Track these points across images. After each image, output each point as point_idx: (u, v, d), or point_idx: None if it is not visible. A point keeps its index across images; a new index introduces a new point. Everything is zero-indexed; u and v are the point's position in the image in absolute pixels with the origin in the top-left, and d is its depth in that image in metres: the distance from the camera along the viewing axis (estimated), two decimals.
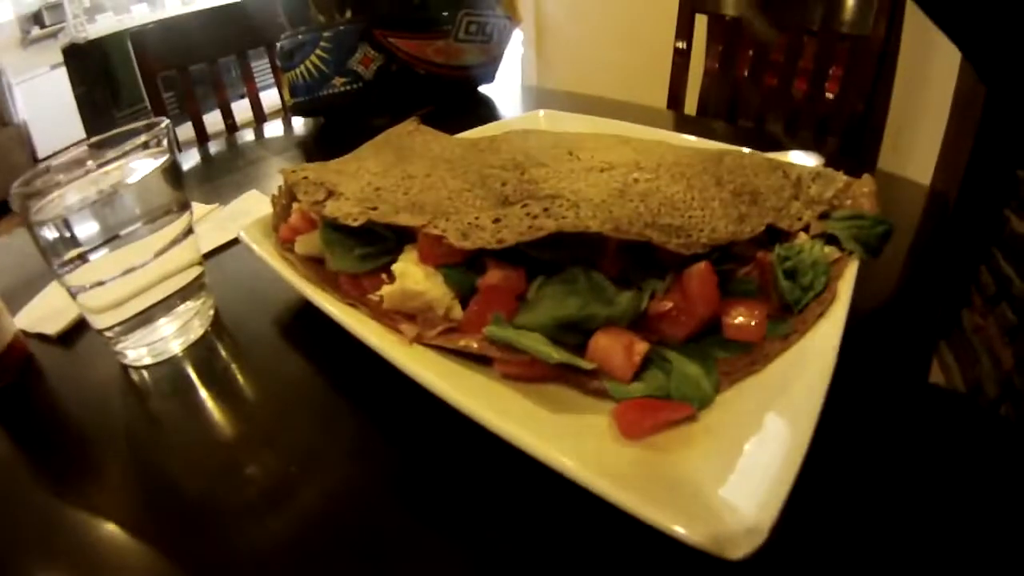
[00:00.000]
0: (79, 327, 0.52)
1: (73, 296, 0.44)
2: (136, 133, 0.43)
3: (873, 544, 0.32)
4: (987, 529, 0.33)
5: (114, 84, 3.12)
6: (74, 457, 0.41)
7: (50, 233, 0.41)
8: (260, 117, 1.17)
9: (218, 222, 0.65)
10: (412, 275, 0.39)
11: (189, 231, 0.45)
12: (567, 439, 0.33)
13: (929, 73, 1.10)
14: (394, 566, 0.32)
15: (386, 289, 0.39)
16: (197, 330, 0.46)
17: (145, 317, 0.44)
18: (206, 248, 0.57)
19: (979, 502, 0.37)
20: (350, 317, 0.40)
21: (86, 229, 0.41)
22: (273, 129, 1.07)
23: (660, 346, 0.38)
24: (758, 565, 0.27)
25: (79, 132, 3.23)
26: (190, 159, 0.96)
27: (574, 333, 0.37)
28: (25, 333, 0.50)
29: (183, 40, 1.08)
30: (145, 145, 0.43)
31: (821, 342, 0.38)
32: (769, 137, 0.85)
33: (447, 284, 0.39)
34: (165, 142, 0.44)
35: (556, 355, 0.35)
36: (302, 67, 0.88)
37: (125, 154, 0.42)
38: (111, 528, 0.36)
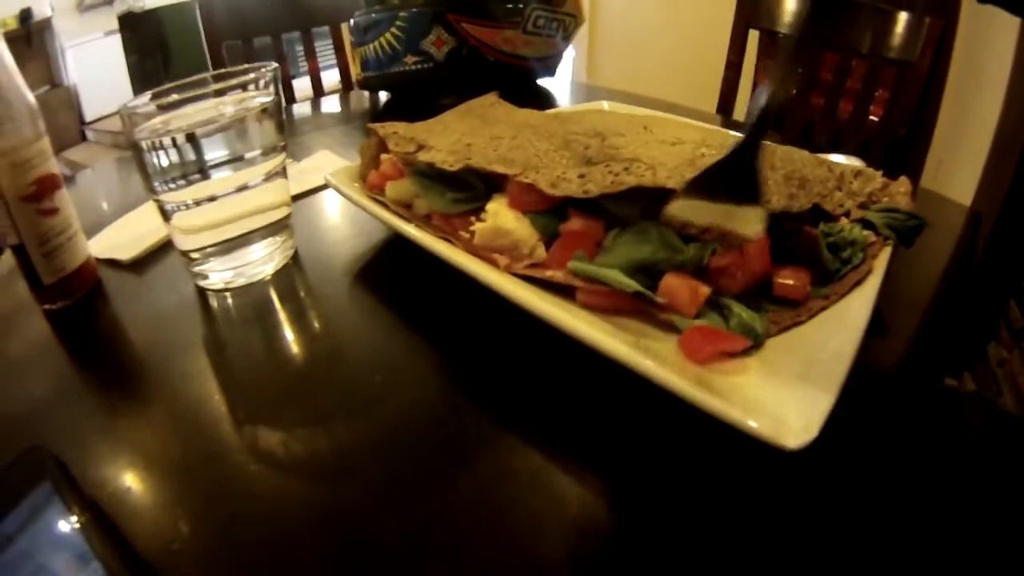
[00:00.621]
0: (151, 257, 0.59)
1: (168, 216, 0.51)
2: (245, 72, 0.52)
3: (886, 539, 0.35)
4: (1002, 528, 0.37)
5: (166, 54, 3.25)
6: (136, 374, 0.46)
7: (155, 153, 0.48)
8: (319, 93, 1.26)
9: (292, 175, 0.73)
10: (504, 215, 0.48)
11: (283, 171, 0.54)
12: (644, 353, 0.41)
13: (975, 104, 1.19)
14: (476, 462, 0.38)
15: (479, 225, 0.48)
16: (279, 263, 0.54)
17: (233, 244, 0.52)
18: (299, 190, 0.66)
19: (997, 502, 0.39)
20: (443, 248, 0.49)
21: (190, 153, 0.49)
22: (330, 105, 1.16)
23: (718, 295, 0.47)
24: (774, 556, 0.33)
25: (127, 98, 3.39)
26: None
27: (646, 276, 0.45)
28: (97, 260, 0.57)
29: (250, 12, 1.17)
30: (250, 86, 0.52)
31: (857, 304, 0.46)
32: (815, 147, 0.94)
33: (534, 227, 0.48)
34: (272, 84, 0.53)
35: (633, 285, 0.43)
36: (375, 43, 0.98)
37: (231, 88, 0.51)
38: (175, 439, 0.41)
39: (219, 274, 0.53)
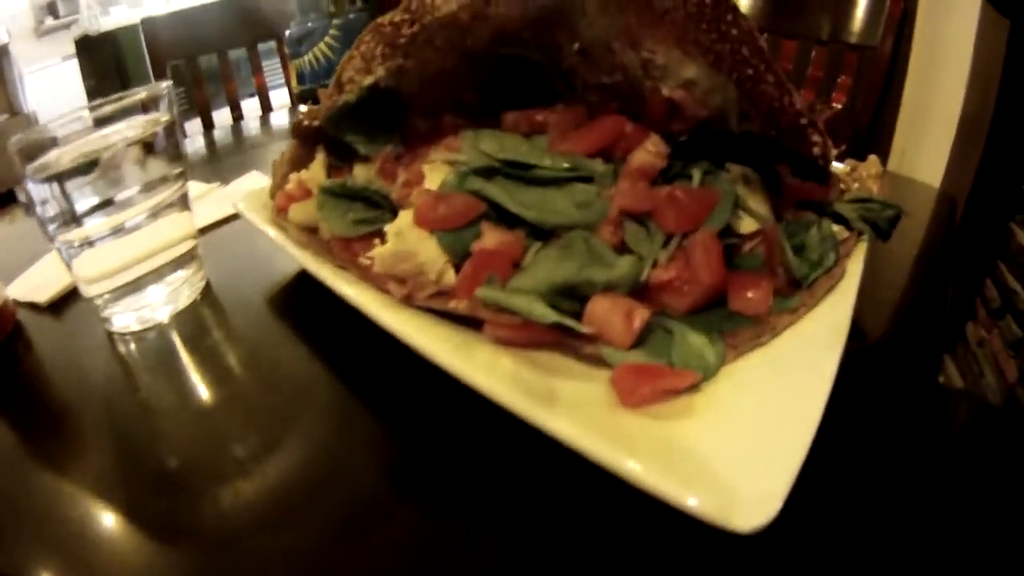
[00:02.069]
0: (69, 297, 0.49)
1: (67, 262, 0.41)
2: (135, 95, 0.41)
3: (880, 539, 0.28)
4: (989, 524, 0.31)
5: (124, 78, 2.93)
6: (52, 422, 0.38)
7: (44, 190, 0.38)
8: (267, 109, 1.13)
9: (217, 199, 0.62)
10: (406, 236, 0.36)
11: (184, 201, 0.43)
12: (561, 405, 0.29)
13: (938, 88, 1.07)
14: (373, 534, 0.29)
15: (378, 250, 0.36)
16: (185, 299, 0.43)
17: (135, 285, 0.41)
18: (204, 223, 0.54)
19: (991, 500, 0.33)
20: (338, 279, 0.37)
21: (80, 189, 0.39)
22: (279, 119, 1.03)
23: (663, 316, 0.35)
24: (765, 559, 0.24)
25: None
26: (195, 143, 0.92)
27: (571, 300, 0.33)
28: (16, 302, 0.48)
29: (194, 29, 1.04)
30: (144, 108, 0.41)
31: (831, 316, 0.35)
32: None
33: (441, 247, 0.36)
34: (165, 105, 0.42)
35: (550, 315, 0.32)
36: (311, 54, 0.86)
37: (123, 114, 0.40)
38: (85, 494, 0.33)
39: (121, 318, 0.41)
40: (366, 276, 0.37)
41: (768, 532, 0.23)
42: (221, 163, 0.83)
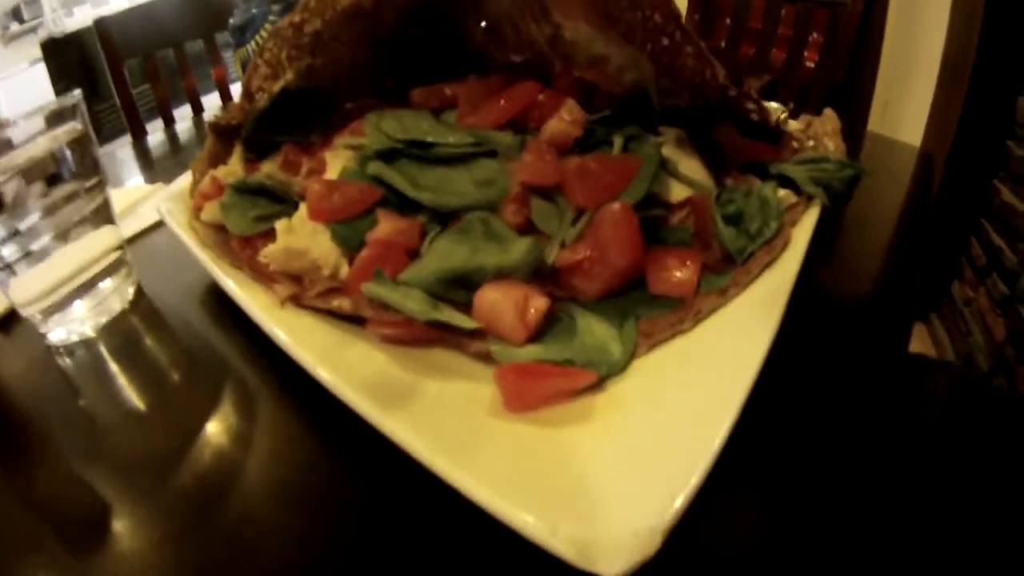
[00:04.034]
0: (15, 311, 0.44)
1: (1, 286, 0.35)
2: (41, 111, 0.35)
3: (859, 531, 0.21)
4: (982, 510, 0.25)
5: (92, 77, 2.62)
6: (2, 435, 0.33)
7: None
8: (228, 100, 1.00)
9: (156, 201, 0.55)
10: (297, 232, 0.30)
11: (105, 212, 0.37)
12: (433, 412, 0.23)
13: (917, 43, 0.93)
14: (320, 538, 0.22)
15: (269, 248, 0.29)
16: (114, 309, 0.37)
17: (63, 302, 0.35)
18: (140, 226, 0.48)
19: (969, 480, 0.28)
20: (231, 278, 0.31)
21: None
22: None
23: (572, 303, 0.27)
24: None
25: None
26: (155, 140, 0.82)
27: (465, 289, 0.27)
28: None
29: (147, 25, 0.91)
30: (59, 119, 0.35)
31: (765, 296, 0.26)
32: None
33: (334, 240, 0.29)
34: (74, 117, 0.35)
35: (427, 313, 0.25)
36: (252, 43, 0.77)
37: (32, 137, 0.34)
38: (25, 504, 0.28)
39: (55, 332, 0.36)
40: (260, 275, 0.30)
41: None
42: (172, 160, 0.75)
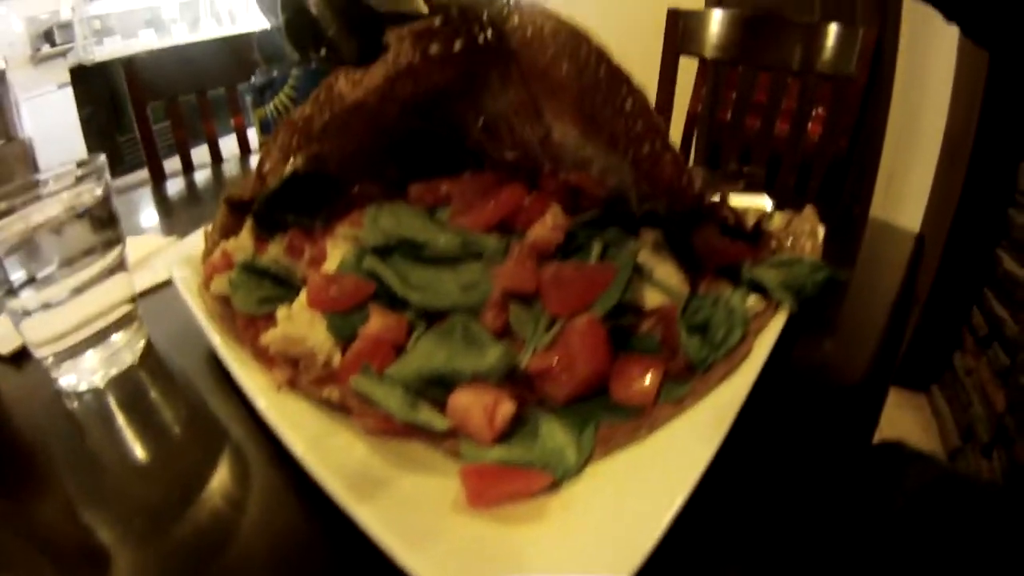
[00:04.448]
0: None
1: (15, 325, 0.39)
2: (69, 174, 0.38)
3: None
4: None
5: (117, 107, 2.64)
6: (7, 471, 0.35)
7: None
8: (246, 149, 1.00)
9: (168, 256, 0.57)
10: (296, 320, 0.32)
11: (120, 266, 0.40)
12: (401, 504, 0.25)
13: (921, 116, 0.94)
14: None
15: (270, 333, 0.32)
16: (124, 363, 0.40)
17: (75, 349, 0.39)
18: (153, 281, 0.50)
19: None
20: (233, 355, 0.33)
21: (11, 266, 0.36)
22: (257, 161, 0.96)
23: (540, 407, 0.29)
24: None
25: (81, 150, 2.72)
26: (174, 187, 0.86)
27: (443, 388, 0.29)
28: None
29: (174, 70, 0.94)
30: (85, 178, 0.38)
31: (718, 408, 0.28)
32: (749, 175, 0.74)
33: (329, 331, 0.32)
34: (98, 180, 0.39)
35: (404, 413, 0.27)
36: (272, 104, 0.81)
37: (55, 193, 0.37)
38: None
39: (66, 378, 0.39)
40: (260, 357, 0.33)
41: None
42: (188, 213, 0.78)
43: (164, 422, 0.38)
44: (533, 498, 0.25)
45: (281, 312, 0.32)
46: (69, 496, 0.33)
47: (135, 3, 2.85)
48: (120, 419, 0.38)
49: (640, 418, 0.28)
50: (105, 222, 0.39)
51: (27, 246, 0.36)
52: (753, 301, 0.34)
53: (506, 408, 0.27)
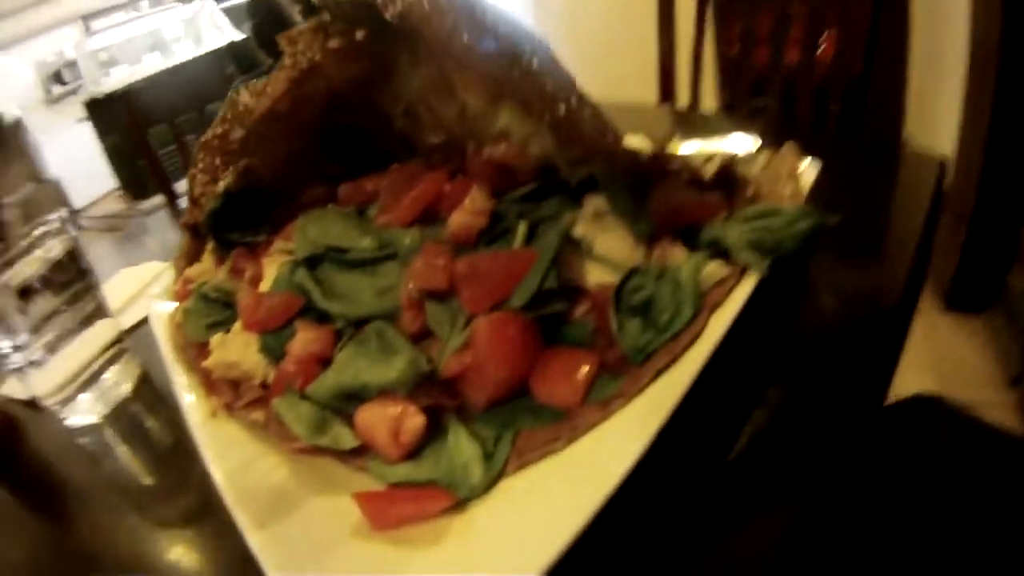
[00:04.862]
0: None
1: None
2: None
3: None
4: None
5: (140, 131, 2.80)
6: (34, 501, 0.39)
7: None
8: None
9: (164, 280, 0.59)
10: (229, 345, 0.32)
11: (97, 315, 0.41)
12: (299, 525, 0.24)
13: (946, 28, 0.77)
14: None
15: (209, 360, 0.32)
16: (118, 397, 0.42)
17: (72, 393, 0.41)
18: (147, 310, 0.53)
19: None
20: (184, 386, 0.33)
21: None
22: None
23: (458, 414, 0.27)
24: None
25: (111, 180, 2.80)
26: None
27: (357, 402, 0.27)
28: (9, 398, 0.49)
29: (168, 93, 0.94)
30: (41, 241, 0.40)
31: (646, 411, 0.24)
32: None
33: (263, 352, 0.31)
34: (58, 236, 0.40)
35: (309, 436, 0.26)
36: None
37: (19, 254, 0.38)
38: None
39: (70, 420, 0.42)
40: (204, 383, 0.33)
41: None
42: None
43: (160, 446, 0.39)
44: (436, 518, 0.23)
45: (215, 339, 0.32)
46: (91, 513, 0.35)
47: (135, 30, 2.84)
48: (121, 448, 0.40)
49: (560, 425, 0.25)
50: (73, 277, 0.40)
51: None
52: (713, 268, 0.29)
53: (413, 423, 0.25)
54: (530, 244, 0.29)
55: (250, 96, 0.33)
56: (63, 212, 0.39)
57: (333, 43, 0.32)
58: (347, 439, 0.26)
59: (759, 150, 0.37)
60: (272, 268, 0.34)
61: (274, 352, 0.31)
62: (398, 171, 0.34)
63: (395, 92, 0.34)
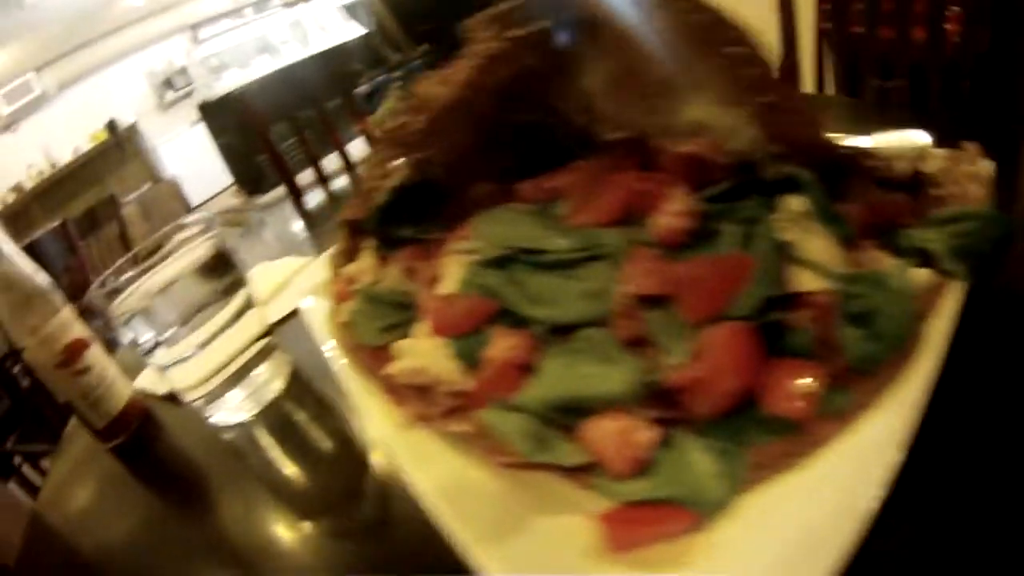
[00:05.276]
0: None
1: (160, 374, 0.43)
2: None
3: None
4: None
5: (250, 132, 2.94)
6: (175, 501, 0.41)
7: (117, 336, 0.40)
8: None
9: (309, 276, 0.59)
10: (418, 350, 0.32)
11: (246, 308, 0.42)
12: (522, 547, 0.24)
13: None
14: None
15: (396, 365, 0.32)
16: (268, 396, 0.43)
17: (217, 392, 0.42)
18: (293, 305, 0.53)
19: None
20: (364, 393, 0.33)
21: (137, 330, 0.40)
22: None
23: (681, 427, 0.27)
24: None
25: (226, 178, 3.04)
26: (314, 200, 0.91)
27: (574, 414, 0.27)
28: (144, 392, 0.51)
29: (285, 91, 1.01)
30: (191, 239, 0.41)
31: (892, 421, 0.24)
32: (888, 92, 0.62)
33: (455, 358, 0.31)
34: (210, 235, 0.41)
35: (530, 452, 0.26)
36: (384, 108, 0.81)
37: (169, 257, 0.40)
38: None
39: (217, 416, 0.43)
40: (388, 390, 0.33)
41: None
42: (326, 226, 0.80)
43: (312, 448, 0.40)
44: (675, 539, 0.24)
45: (404, 343, 0.32)
46: (235, 509, 0.37)
47: (243, 36, 3.08)
48: (272, 448, 0.41)
49: (797, 439, 0.25)
50: (222, 271, 0.41)
51: (146, 312, 0.39)
52: (923, 276, 0.29)
53: (644, 437, 0.25)
54: (740, 252, 0.29)
55: (434, 84, 0.32)
56: (206, 212, 0.40)
57: (515, 33, 0.32)
58: (573, 454, 0.26)
59: (933, 145, 0.37)
60: (453, 268, 0.34)
61: (469, 358, 0.31)
62: (583, 169, 0.34)
63: (573, 87, 0.34)
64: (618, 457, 0.25)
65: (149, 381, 0.53)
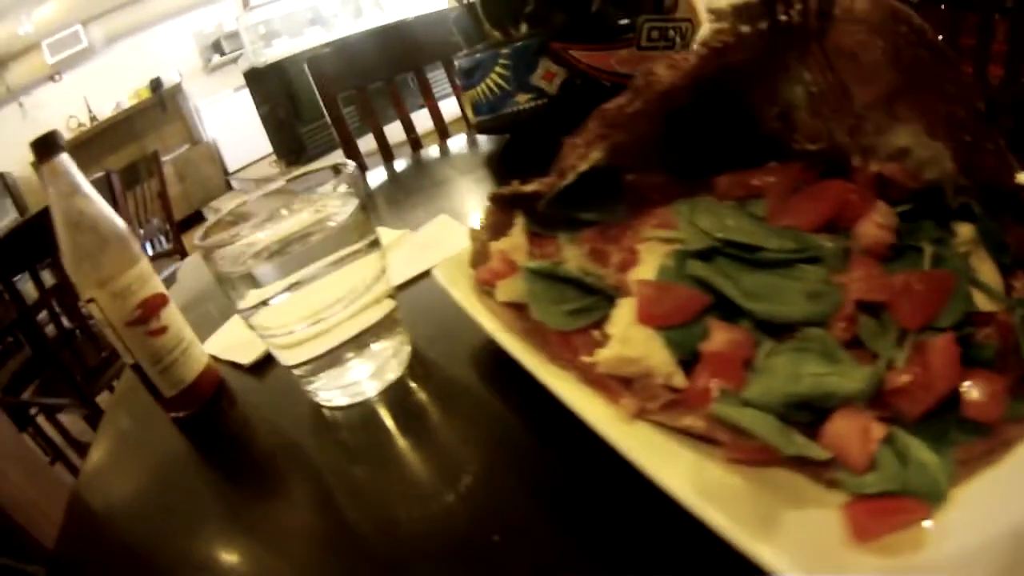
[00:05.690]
0: (271, 358, 0.45)
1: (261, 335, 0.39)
2: (323, 179, 0.37)
3: None
4: None
5: (295, 101, 2.81)
6: (258, 486, 0.38)
7: (234, 280, 0.36)
8: (443, 131, 1.03)
9: (408, 251, 0.55)
10: (631, 339, 0.32)
11: (382, 274, 0.39)
12: (788, 538, 0.26)
13: None
14: None
15: (602, 353, 0.32)
16: (394, 372, 0.41)
17: (335, 356, 0.39)
18: (397, 281, 0.49)
19: None
20: (559, 382, 0.33)
21: (269, 276, 0.36)
22: (457, 144, 0.93)
23: (893, 425, 0.31)
24: None
25: (265, 146, 3.12)
26: (376, 178, 0.86)
27: (806, 411, 0.30)
28: (216, 359, 0.46)
29: (358, 61, 0.96)
30: (332, 188, 0.37)
31: None
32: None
33: (669, 348, 0.32)
34: (353, 187, 0.37)
35: (786, 445, 0.29)
36: (483, 85, 0.75)
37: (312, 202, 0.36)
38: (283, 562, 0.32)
39: (327, 392, 0.40)
40: (588, 378, 0.33)
41: None
42: (406, 202, 0.76)
43: (441, 440, 0.38)
44: (908, 528, 0.27)
45: (616, 330, 0.32)
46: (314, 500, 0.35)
47: (296, 4, 2.97)
48: (395, 438, 0.38)
49: (990, 438, 0.30)
50: (362, 227, 0.38)
51: (280, 256, 0.35)
52: None
53: (878, 431, 0.29)
54: (939, 268, 0.32)
55: (665, 68, 0.31)
56: (352, 166, 0.36)
57: (744, 28, 0.31)
58: (816, 449, 0.29)
59: None
60: (651, 256, 0.34)
61: (684, 350, 0.32)
62: (781, 171, 0.35)
63: (773, 91, 0.34)
64: (859, 452, 0.28)
65: (224, 345, 0.48)
